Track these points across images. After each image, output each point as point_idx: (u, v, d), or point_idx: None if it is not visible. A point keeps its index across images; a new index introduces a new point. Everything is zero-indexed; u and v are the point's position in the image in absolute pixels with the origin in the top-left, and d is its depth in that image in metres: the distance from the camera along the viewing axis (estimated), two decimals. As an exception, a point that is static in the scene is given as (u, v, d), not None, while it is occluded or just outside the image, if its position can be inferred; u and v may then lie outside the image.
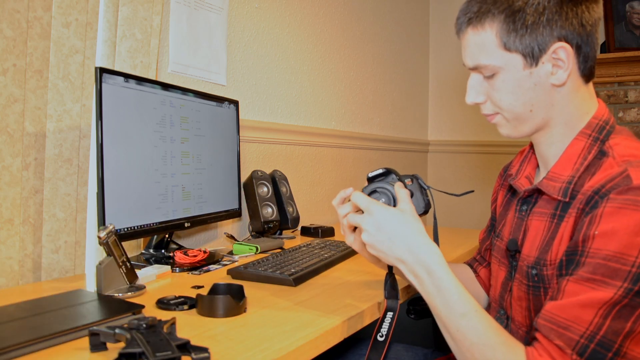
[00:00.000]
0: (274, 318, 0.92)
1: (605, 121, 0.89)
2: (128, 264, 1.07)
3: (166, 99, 1.32)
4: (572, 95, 0.89)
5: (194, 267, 1.29)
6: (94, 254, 1.32)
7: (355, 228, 0.96)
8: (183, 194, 1.38)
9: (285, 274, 1.14)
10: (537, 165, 1.01)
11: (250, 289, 1.08)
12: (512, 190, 1.06)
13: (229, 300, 0.92)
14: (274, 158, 2.00)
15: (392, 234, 0.87)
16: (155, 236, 1.40)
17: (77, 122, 1.25)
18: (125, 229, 1.19)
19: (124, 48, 1.36)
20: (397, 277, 0.98)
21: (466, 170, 3.29)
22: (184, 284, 1.15)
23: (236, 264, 1.35)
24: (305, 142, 2.18)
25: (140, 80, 1.24)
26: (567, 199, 0.86)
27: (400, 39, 2.98)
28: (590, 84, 0.92)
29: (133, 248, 1.44)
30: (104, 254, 1.07)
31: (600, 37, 2.78)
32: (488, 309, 1.08)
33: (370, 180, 0.98)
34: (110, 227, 1.03)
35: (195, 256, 1.33)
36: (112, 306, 0.90)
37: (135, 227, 1.22)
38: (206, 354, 0.69)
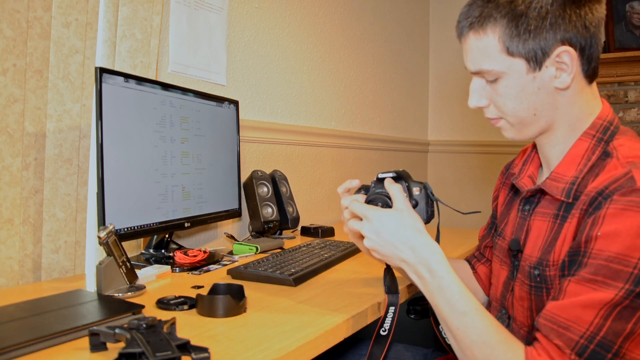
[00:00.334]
0: (274, 318, 0.92)
1: (609, 122, 0.89)
2: (128, 264, 1.07)
3: (166, 99, 1.32)
4: (575, 97, 0.88)
5: (194, 267, 1.29)
6: (94, 254, 1.32)
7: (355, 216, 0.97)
8: (183, 194, 1.38)
9: (285, 274, 1.14)
10: (540, 165, 1.01)
11: (250, 289, 1.08)
12: (514, 189, 1.06)
13: (229, 300, 0.92)
14: (274, 158, 2.00)
15: (393, 236, 0.88)
16: (155, 236, 1.40)
17: (77, 122, 1.25)
18: (125, 229, 1.19)
19: (124, 48, 1.36)
20: (396, 274, 0.99)
21: (466, 170, 3.29)
22: (184, 284, 1.15)
23: (236, 264, 1.35)
24: (305, 142, 2.18)
25: (140, 80, 1.24)
26: (570, 200, 0.86)
27: (400, 39, 2.98)
28: (594, 84, 0.91)
29: (133, 248, 1.44)
30: (104, 254, 1.07)
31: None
32: (489, 307, 1.08)
33: (379, 180, 0.98)
34: (110, 227, 1.03)
35: (195, 256, 1.33)
36: (112, 306, 0.90)
37: (135, 227, 1.22)
38: (206, 354, 0.69)
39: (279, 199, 1.79)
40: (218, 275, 1.24)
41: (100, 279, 1.00)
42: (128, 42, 1.37)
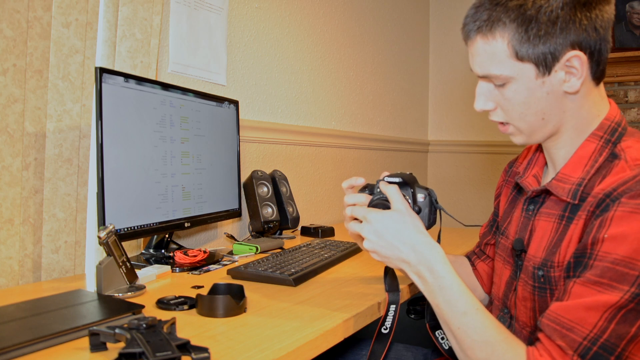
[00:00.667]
0: (274, 318, 0.92)
1: (617, 123, 0.88)
2: (128, 264, 1.06)
3: (166, 99, 1.32)
4: (583, 100, 0.87)
5: (194, 267, 1.29)
6: (94, 254, 1.32)
7: (355, 219, 0.97)
8: (183, 194, 1.38)
9: (285, 274, 1.14)
10: (545, 164, 1.00)
11: (250, 289, 1.08)
12: (518, 188, 1.05)
13: (229, 300, 0.92)
14: (274, 158, 2.00)
15: (394, 237, 0.88)
16: (155, 236, 1.40)
17: (77, 122, 1.25)
18: (125, 229, 1.19)
19: (124, 48, 1.36)
20: (396, 272, 0.98)
21: (466, 170, 3.28)
22: (184, 284, 1.15)
23: (236, 264, 1.35)
24: (305, 142, 2.18)
25: (140, 80, 1.24)
26: (576, 201, 0.85)
27: (400, 39, 2.98)
28: (601, 85, 0.90)
29: (133, 248, 1.44)
30: (104, 254, 1.07)
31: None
32: (490, 306, 1.08)
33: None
34: (110, 227, 1.03)
35: (195, 256, 1.33)
36: (112, 306, 0.90)
37: (135, 227, 1.22)
38: (206, 354, 0.69)
39: (279, 199, 1.79)
40: (218, 275, 1.24)
41: (100, 279, 1.00)
42: (128, 42, 1.37)
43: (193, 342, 0.71)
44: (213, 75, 1.72)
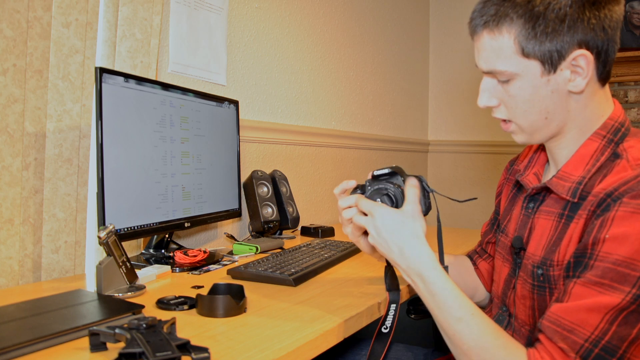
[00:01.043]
0: (274, 318, 0.92)
1: (620, 123, 0.88)
2: (128, 264, 1.06)
3: (166, 99, 1.32)
4: (588, 100, 0.87)
5: (194, 267, 1.29)
6: (94, 254, 1.32)
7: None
8: (183, 194, 1.38)
9: (285, 274, 1.14)
10: (546, 162, 1.00)
11: (250, 289, 1.08)
12: (518, 186, 1.05)
13: (229, 300, 0.92)
14: (274, 158, 2.00)
15: (388, 237, 0.88)
16: (155, 236, 1.40)
17: (77, 122, 1.25)
18: (125, 229, 1.19)
19: (124, 48, 1.36)
20: (397, 272, 0.98)
21: (466, 170, 3.28)
22: (184, 284, 1.15)
23: (236, 264, 1.35)
24: (305, 142, 2.18)
25: (140, 80, 1.24)
26: (575, 200, 0.85)
27: (400, 39, 2.98)
28: (607, 86, 0.90)
29: (133, 248, 1.44)
30: (104, 254, 1.07)
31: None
32: (490, 304, 1.08)
33: (375, 178, 0.98)
34: (110, 227, 1.03)
35: (195, 256, 1.33)
36: (112, 306, 0.90)
37: (135, 227, 1.22)
38: (206, 354, 0.69)
39: (279, 199, 1.79)
40: (218, 275, 1.24)
41: (100, 279, 1.00)
42: (128, 42, 1.37)
43: (193, 342, 0.71)
44: (213, 75, 1.72)
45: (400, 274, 0.92)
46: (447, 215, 3.11)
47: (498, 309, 1.02)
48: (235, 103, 1.63)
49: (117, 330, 0.72)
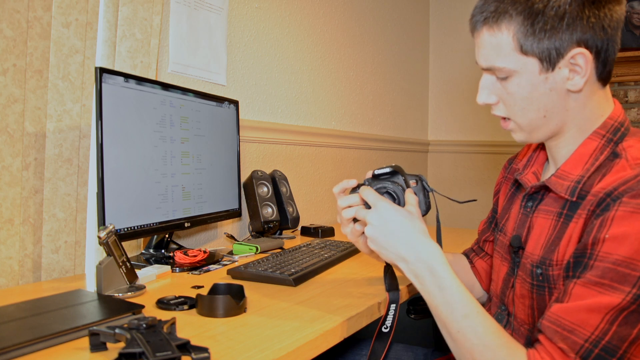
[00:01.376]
0: (274, 318, 0.92)
1: (620, 122, 0.87)
2: (128, 264, 1.07)
3: (166, 99, 1.32)
4: (587, 100, 0.87)
5: (194, 267, 1.29)
6: (94, 254, 1.32)
7: (353, 219, 0.96)
8: (183, 194, 1.38)
9: (285, 274, 1.14)
10: (546, 161, 0.99)
11: (250, 289, 1.08)
12: (517, 184, 1.05)
13: (229, 300, 0.92)
14: (274, 158, 2.00)
15: (396, 230, 0.88)
16: (155, 236, 1.40)
17: (77, 122, 1.25)
18: (125, 229, 1.19)
19: (124, 48, 1.36)
20: (396, 272, 0.98)
21: (466, 170, 3.29)
22: (184, 284, 1.15)
23: (236, 264, 1.35)
24: (305, 142, 2.18)
25: (140, 80, 1.24)
26: (574, 199, 0.85)
27: (400, 39, 2.98)
28: (607, 87, 0.89)
29: (133, 248, 1.44)
30: (104, 254, 1.07)
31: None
32: (488, 303, 1.08)
33: (376, 177, 0.98)
34: (110, 227, 1.03)
35: (195, 256, 1.33)
36: (112, 306, 0.90)
37: (135, 227, 1.22)
38: (206, 354, 0.69)
39: (279, 199, 1.79)
40: (218, 275, 1.24)
41: (100, 279, 1.00)
42: (128, 42, 1.37)
43: (193, 342, 0.71)
44: (213, 75, 1.72)
45: (401, 273, 0.91)
46: (447, 215, 3.11)
47: (497, 308, 1.02)
48: (235, 103, 1.63)
49: (117, 330, 0.72)
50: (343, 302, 1.03)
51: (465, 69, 3.23)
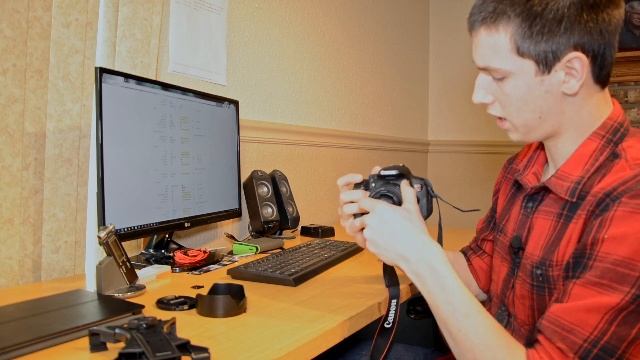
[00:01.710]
0: (274, 318, 0.92)
1: (620, 123, 0.87)
2: (128, 264, 1.07)
3: (166, 99, 1.32)
4: (584, 103, 0.86)
5: (194, 267, 1.29)
6: (94, 254, 1.32)
7: (354, 214, 0.97)
8: (183, 194, 1.38)
9: (285, 274, 1.14)
10: (546, 162, 1.00)
11: (250, 289, 1.08)
12: (517, 185, 1.05)
13: (229, 300, 0.92)
14: (274, 158, 2.00)
15: (396, 231, 0.88)
16: (155, 236, 1.40)
17: (77, 122, 1.25)
18: (125, 229, 1.19)
19: (124, 48, 1.36)
20: (397, 270, 0.98)
21: (466, 170, 3.29)
22: (184, 284, 1.15)
23: (236, 264, 1.35)
24: (305, 142, 2.18)
25: (140, 80, 1.24)
26: (574, 199, 0.85)
27: (400, 39, 2.98)
28: (606, 89, 0.89)
29: (133, 248, 1.44)
30: (104, 254, 1.07)
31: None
32: (488, 303, 1.08)
33: (381, 177, 0.97)
34: (110, 227, 1.03)
35: (195, 256, 1.33)
36: (112, 306, 0.90)
37: (135, 227, 1.22)
38: (206, 354, 0.69)
39: (279, 199, 1.79)
40: (218, 275, 1.24)
41: (100, 279, 1.00)
42: (128, 42, 1.37)
43: (193, 342, 0.71)
44: (213, 75, 1.72)
45: (402, 272, 0.91)
46: (447, 215, 3.11)
47: (497, 308, 1.02)
48: (235, 103, 1.63)
49: (117, 330, 0.72)
50: (343, 302, 1.03)
51: (465, 69, 3.23)
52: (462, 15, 3.31)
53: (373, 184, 0.98)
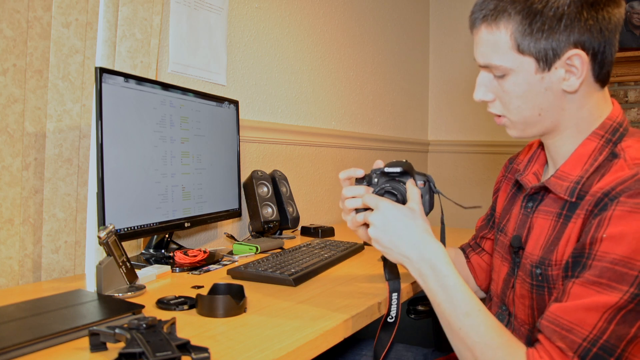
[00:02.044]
0: (274, 318, 0.92)
1: (619, 123, 0.88)
2: (128, 264, 1.06)
3: (166, 99, 1.32)
4: (584, 100, 0.87)
5: (194, 267, 1.29)
6: (94, 254, 1.32)
7: (356, 209, 0.97)
8: (183, 194, 1.38)
9: (285, 274, 1.14)
10: (546, 162, 1.00)
11: (250, 289, 1.08)
12: (517, 185, 1.05)
13: (229, 300, 0.92)
14: (274, 158, 2.00)
15: (399, 230, 0.88)
16: (155, 236, 1.40)
17: (77, 122, 1.25)
18: (125, 229, 1.19)
19: (124, 48, 1.36)
20: (401, 268, 0.98)
21: (466, 170, 3.29)
22: (184, 284, 1.15)
23: (236, 264, 1.35)
24: (305, 142, 2.18)
25: (140, 80, 1.24)
26: (573, 199, 0.85)
27: (400, 39, 2.98)
28: (606, 88, 0.90)
29: (133, 248, 1.44)
30: (104, 254, 1.07)
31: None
32: (488, 302, 1.08)
33: (384, 174, 0.97)
34: (110, 227, 1.03)
35: (195, 256, 1.33)
36: (112, 306, 0.90)
37: (135, 227, 1.22)
38: (206, 354, 0.69)
39: (279, 199, 1.79)
40: (218, 275, 1.24)
41: (100, 279, 1.00)
42: (128, 42, 1.37)
43: (193, 342, 0.71)
44: (213, 75, 1.72)
45: (405, 269, 0.92)
46: (449, 215, 3.11)
47: (497, 308, 1.02)
48: (235, 103, 1.63)
49: (117, 330, 0.72)
50: (343, 302, 1.03)
51: (465, 69, 3.23)
52: (462, 15, 3.31)
53: (376, 180, 0.98)
